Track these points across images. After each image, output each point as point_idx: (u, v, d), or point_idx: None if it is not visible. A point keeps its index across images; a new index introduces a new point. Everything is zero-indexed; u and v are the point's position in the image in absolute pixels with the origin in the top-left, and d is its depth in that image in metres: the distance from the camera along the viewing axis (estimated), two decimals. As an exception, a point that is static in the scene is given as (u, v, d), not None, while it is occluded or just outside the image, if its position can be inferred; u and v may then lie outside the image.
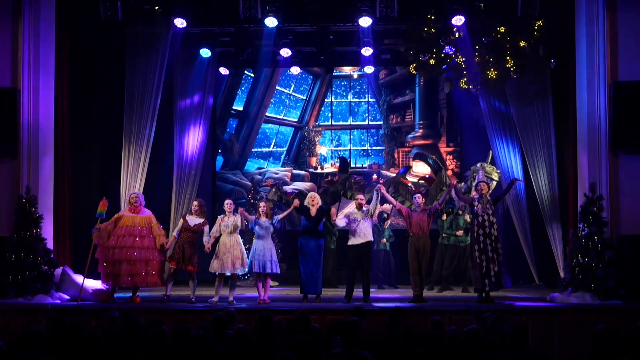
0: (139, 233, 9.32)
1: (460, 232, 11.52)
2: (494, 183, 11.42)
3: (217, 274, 9.41)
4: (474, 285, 9.47)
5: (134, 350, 4.91)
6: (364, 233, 9.50)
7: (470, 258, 9.53)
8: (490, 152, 11.98)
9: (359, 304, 8.40)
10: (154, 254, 9.40)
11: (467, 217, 11.37)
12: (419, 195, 9.85)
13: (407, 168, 13.74)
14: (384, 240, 12.10)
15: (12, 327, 8.27)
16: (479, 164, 11.61)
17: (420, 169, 13.92)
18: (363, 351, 4.28)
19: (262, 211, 9.43)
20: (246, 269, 9.44)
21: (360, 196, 9.75)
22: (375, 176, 13.94)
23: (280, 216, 9.56)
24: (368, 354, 4.23)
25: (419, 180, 13.62)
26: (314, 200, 9.55)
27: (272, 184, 13.65)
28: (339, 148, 14.30)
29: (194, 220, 9.45)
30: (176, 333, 4.89)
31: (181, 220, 9.60)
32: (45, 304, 9.20)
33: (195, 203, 9.65)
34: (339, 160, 13.63)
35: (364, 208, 9.58)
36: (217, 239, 9.47)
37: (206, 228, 9.42)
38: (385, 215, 12.23)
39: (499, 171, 11.82)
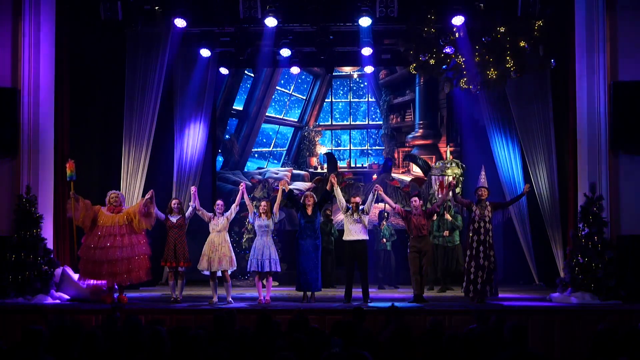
0: (119, 232, 9.35)
1: (446, 233, 11.55)
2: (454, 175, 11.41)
3: (207, 273, 9.50)
4: (464, 290, 9.47)
5: (133, 350, 4.92)
6: (359, 231, 9.56)
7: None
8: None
9: (358, 304, 8.41)
10: (138, 250, 9.44)
11: (448, 216, 11.43)
12: (415, 199, 9.86)
13: (386, 168, 13.81)
14: (384, 240, 12.09)
15: (12, 327, 8.28)
16: (440, 162, 11.59)
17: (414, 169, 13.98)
18: (363, 351, 4.28)
19: (262, 210, 9.49)
20: (234, 268, 9.59)
21: (357, 199, 9.76)
22: (375, 176, 13.94)
23: (275, 208, 9.57)
24: (368, 354, 4.23)
25: (410, 181, 13.67)
26: (310, 200, 9.56)
27: (257, 181, 13.68)
28: (339, 148, 14.30)
29: (175, 217, 9.63)
30: (175, 333, 4.89)
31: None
32: (45, 304, 9.21)
33: (175, 201, 9.79)
34: (325, 157, 13.55)
35: (361, 207, 9.61)
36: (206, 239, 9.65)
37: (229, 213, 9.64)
38: (386, 214, 12.22)
39: (457, 161, 11.76)
